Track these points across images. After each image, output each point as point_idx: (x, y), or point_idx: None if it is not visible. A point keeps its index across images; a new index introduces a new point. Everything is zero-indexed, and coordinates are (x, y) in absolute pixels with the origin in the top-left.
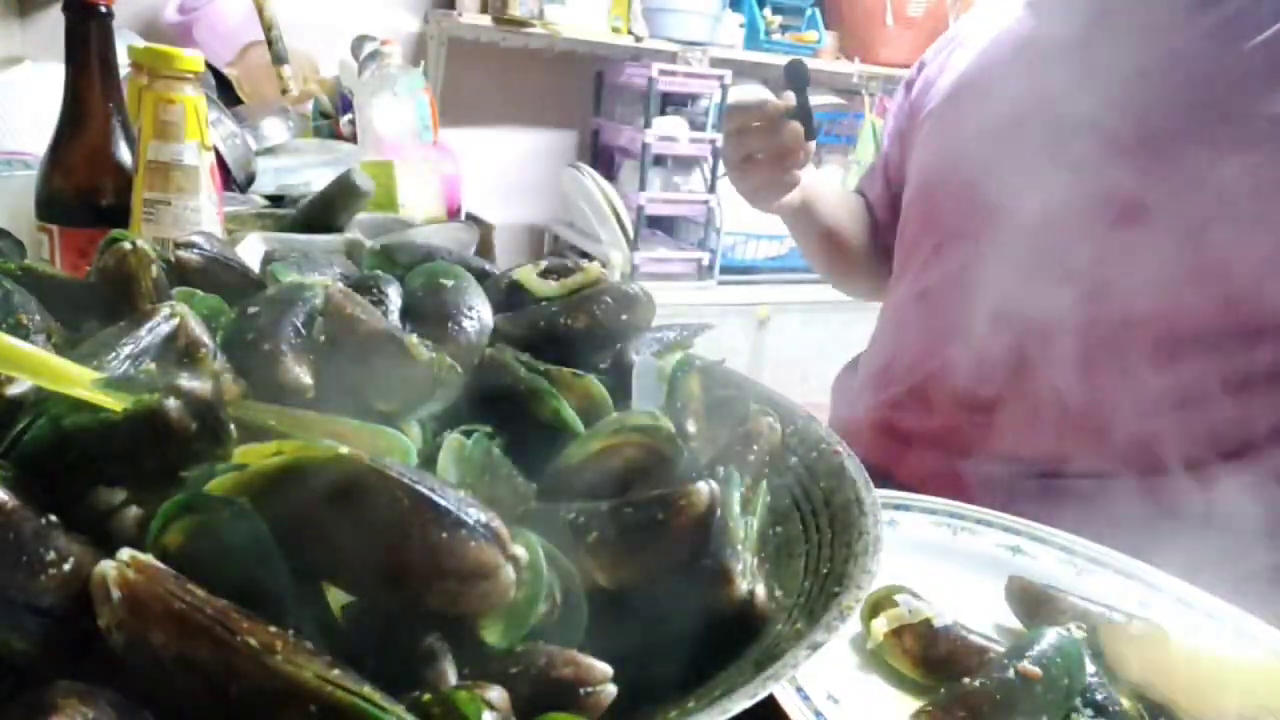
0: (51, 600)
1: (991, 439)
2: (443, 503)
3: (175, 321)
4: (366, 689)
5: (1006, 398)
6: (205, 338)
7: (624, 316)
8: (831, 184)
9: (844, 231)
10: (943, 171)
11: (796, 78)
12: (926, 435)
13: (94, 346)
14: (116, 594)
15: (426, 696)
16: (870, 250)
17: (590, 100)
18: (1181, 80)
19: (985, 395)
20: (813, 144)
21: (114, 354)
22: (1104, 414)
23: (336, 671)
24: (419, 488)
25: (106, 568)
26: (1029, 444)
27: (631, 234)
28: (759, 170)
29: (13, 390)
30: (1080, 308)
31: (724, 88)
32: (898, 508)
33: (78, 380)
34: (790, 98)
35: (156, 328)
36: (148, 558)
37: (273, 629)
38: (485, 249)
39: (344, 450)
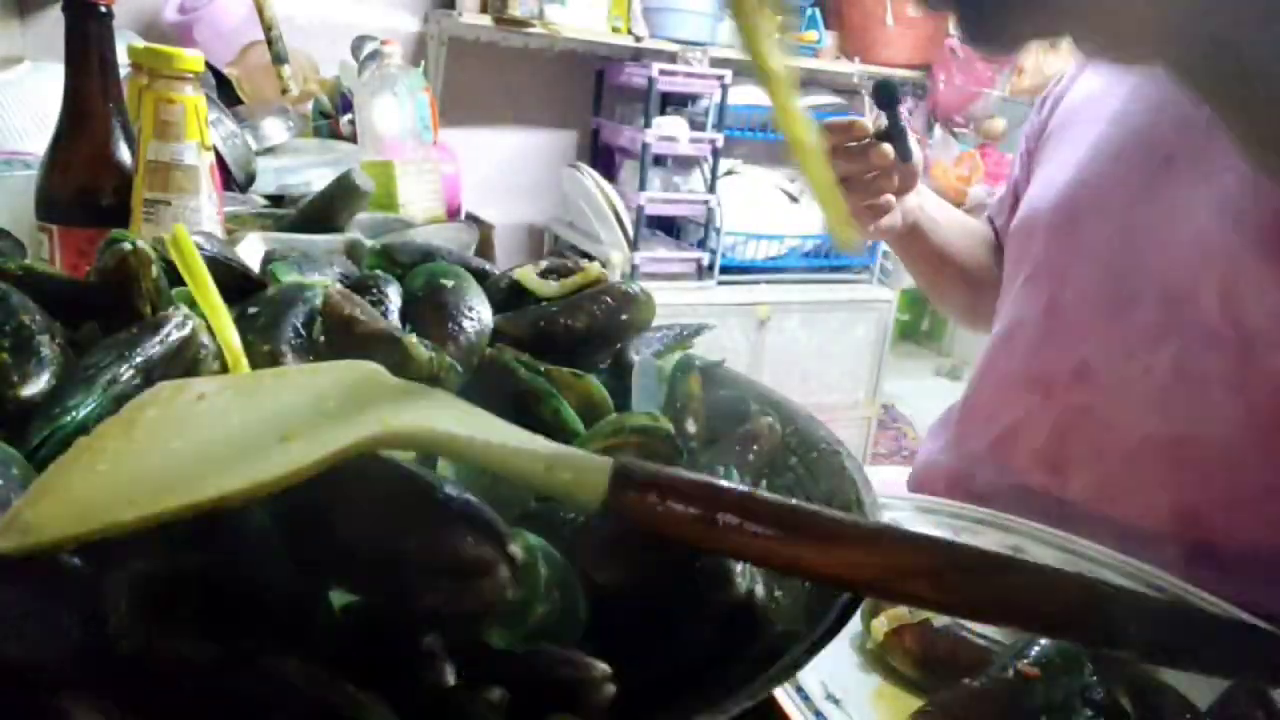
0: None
1: (1067, 506)
2: (441, 497)
3: (188, 329)
4: (350, 688)
5: (1082, 460)
6: (212, 345)
7: (624, 316)
8: (949, 209)
9: (959, 257)
10: (1040, 198)
11: (886, 96)
12: (1001, 497)
13: (105, 354)
14: (124, 602)
15: (427, 696)
16: (995, 278)
17: (590, 100)
18: None
19: (1062, 456)
20: (914, 166)
21: (127, 364)
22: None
23: (325, 672)
24: (418, 481)
25: (116, 577)
26: (1103, 510)
27: (631, 234)
28: (850, 195)
29: (28, 390)
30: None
31: (724, 88)
32: (898, 508)
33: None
34: (880, 118)
35: (169, 335)
36: (154, 567)
37: (265, 630)
38: (485, 249)
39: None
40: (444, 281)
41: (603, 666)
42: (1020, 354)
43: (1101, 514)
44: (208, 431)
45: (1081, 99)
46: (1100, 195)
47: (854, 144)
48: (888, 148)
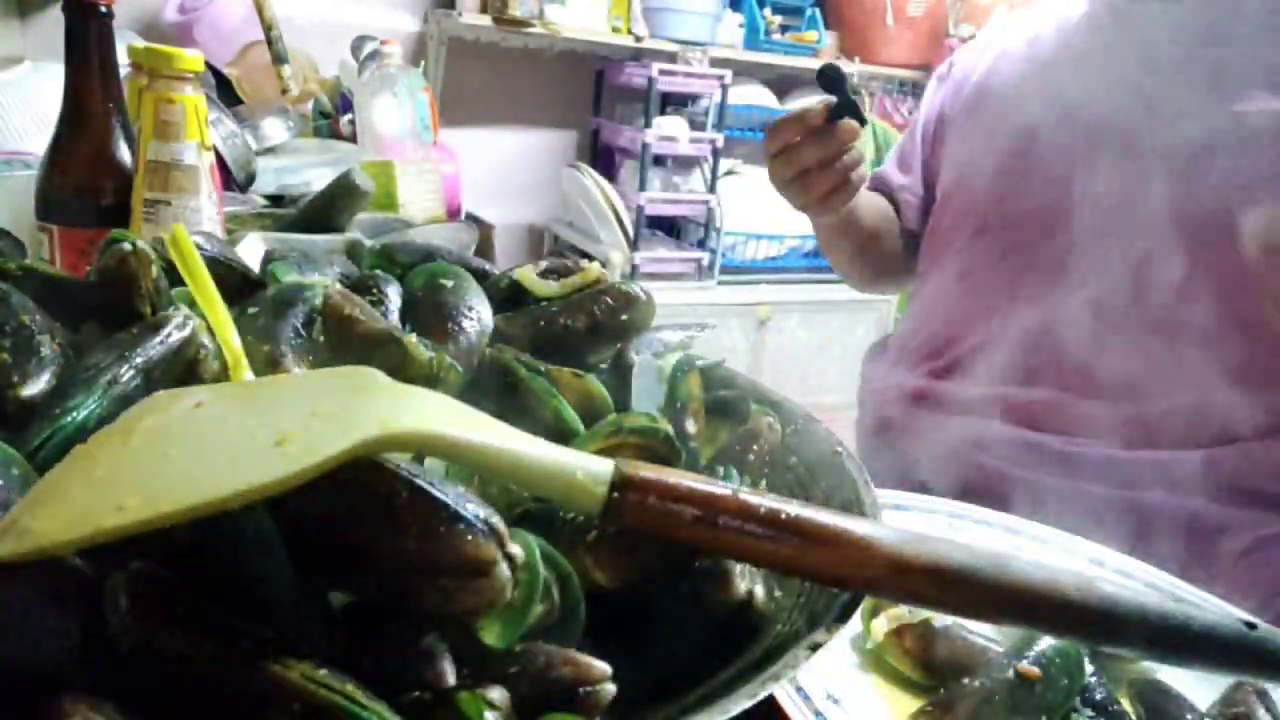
0: (60, 609)
1: (1028, 412)
2: (441, 497)
3: (189, 329)
4: (349, 687)
5: (1045, 373)
6: (212, 345)
7: (624, 316)
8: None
9: (881, 228)
10: (983, 164)
11: (831, 80)
12: (965, 403)
13: (106, 355)
14: (124, 602)
15: (426, 696)
16: (902, 244)
17: (590, 100)
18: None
19: (1026, 369)
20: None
21: (128, 364)
22: (1143, 393)
23: (323, 671)
24: (417, 481)
25: (117, 577)
26: (1066, 413)
27: (631, 234)
28: (821, 181)
29: (28, 390)
30: (1128, 307)
31: (724, 88)
32: (898, 508)
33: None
34: (826, 100)
35: (169, 336)
36: (154, 567)
37: (265, 630)
38: (485, 249)
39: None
40: (444, 281)
41: (603, 667)
42: (983, 290)
43: (1063, 413)
44: (206, 437)
45: (1000, 79)
46: (1044, 165)
47: (815, 129)
48: (852, 122)
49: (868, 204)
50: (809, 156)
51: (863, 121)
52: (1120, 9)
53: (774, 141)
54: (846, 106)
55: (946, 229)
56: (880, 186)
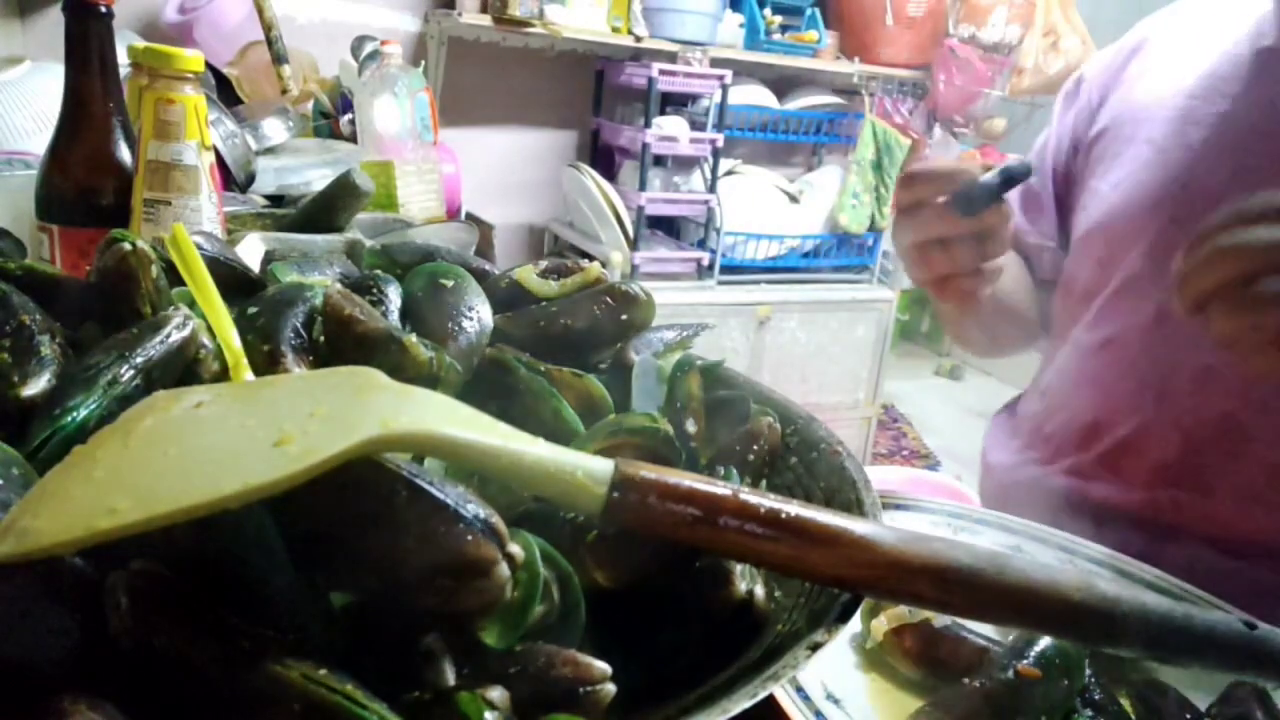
0: (60, 609)
1: (1203, 520)
2: (441, 496)
3: (189, 329)
4: (349, 687)
5: (1219, 471)
6: (212, 345)
7: (624, 316)
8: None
9: (1017, 301)
10: (1127, 201)
11: (1011, 182)
12: (1124, 511)
13: (106, 354)
14: (124, 601)
15: (426, 696)
16: (1040, 299)
17: (590, 100)
18: None
19: (1194, 467)
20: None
21: (128, 364)
22: None
23: (323, 671)
24: (417, 481)
25: (117, 576)
26: (1246, 527)
27: (631, 234)
28: (944, 260)
29: (28, 390)
30: None
31: (724, 88)
32: (898, 508)
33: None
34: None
35: (169, 336)
36: (155, 566)
37: (265, 630)
38: (485, 249)
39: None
40: (444, 281)
41: (603, 667)
42: (1128, 363)
43: (1242, 527)
44: (206, 437)
45: (1150, 99)
46: (1207, 201)
47: (959, 198)
48: (1006, 207)
49: (1003, 281)
50: (939, 225)
51: (1027, 174)
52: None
53: (906, 193)
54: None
55: (1086, 281)
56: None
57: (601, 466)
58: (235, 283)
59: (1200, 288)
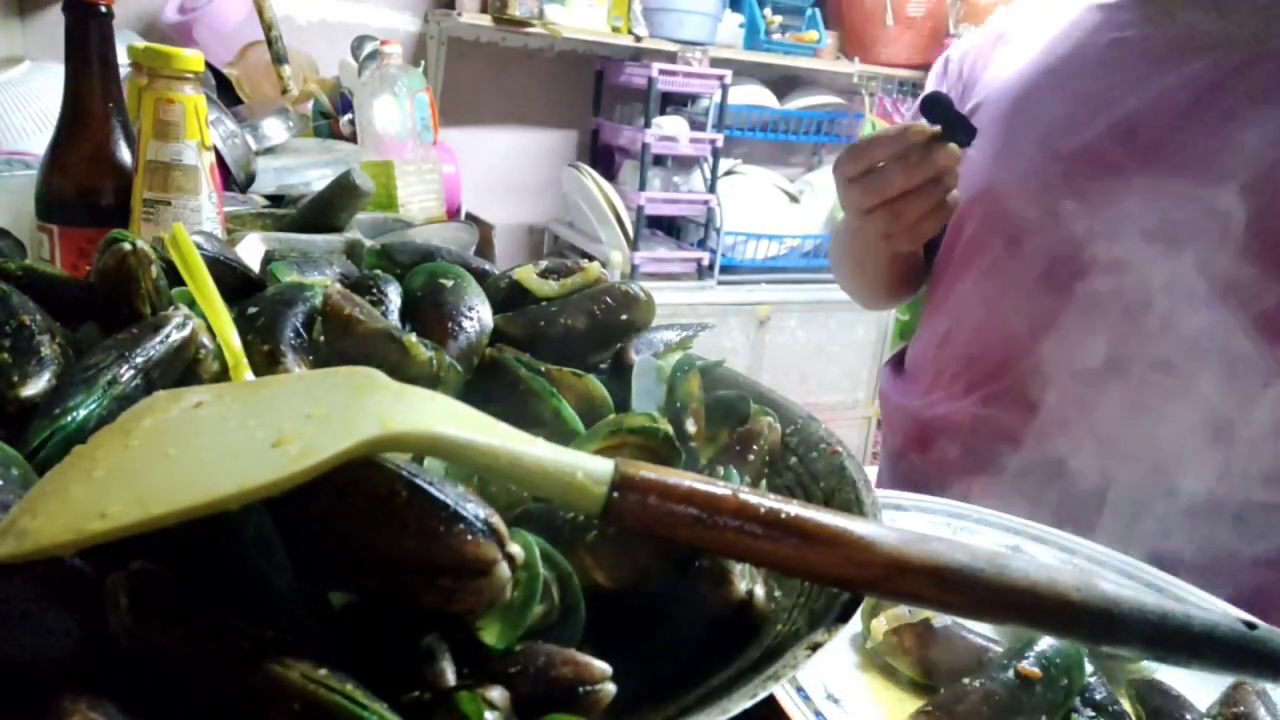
0: (60, 609)
1: (1092, 431)
2: (441, 497)
3: (189, 329)
4: (349, 687)
5: (1109, 392)
6: (212, 345)
7: (624, 316)
8: None
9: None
10: (1013, 170)
11: (937, 107)
12: (1032, 431)
13: (106, 354)
14: (124, 601)
15: (426, 696)
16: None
17: (590, 100)
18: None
19: (1090, 391)
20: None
21: (128, 364)
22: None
23: (323, 671)
24: (417, 481)
25: (117, 576)
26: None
27: (631, 234)
28: (912, 207)
29: (28, 390)
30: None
31: (724, 88)
32: (897, 508)
33: None
34: (927, 127)
35: (169, 336)
36: (155, 566)
37: (265, 630)
38: (485, 249)
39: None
40: (444, 281)
41: (603, 666)
42: (1025, 308)
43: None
44: (206, 437)
45: (1017, 78)
46: (1079, 167)
47: (903, 152)
48: (954, 146)
49: None
50: (902, 179)
51: (973, 135)
52: (1155, 14)
53: (856, 163)
54: (959, 128)
55: (969, 239)
56: None
57: (601, 466)
58: (235, 283)
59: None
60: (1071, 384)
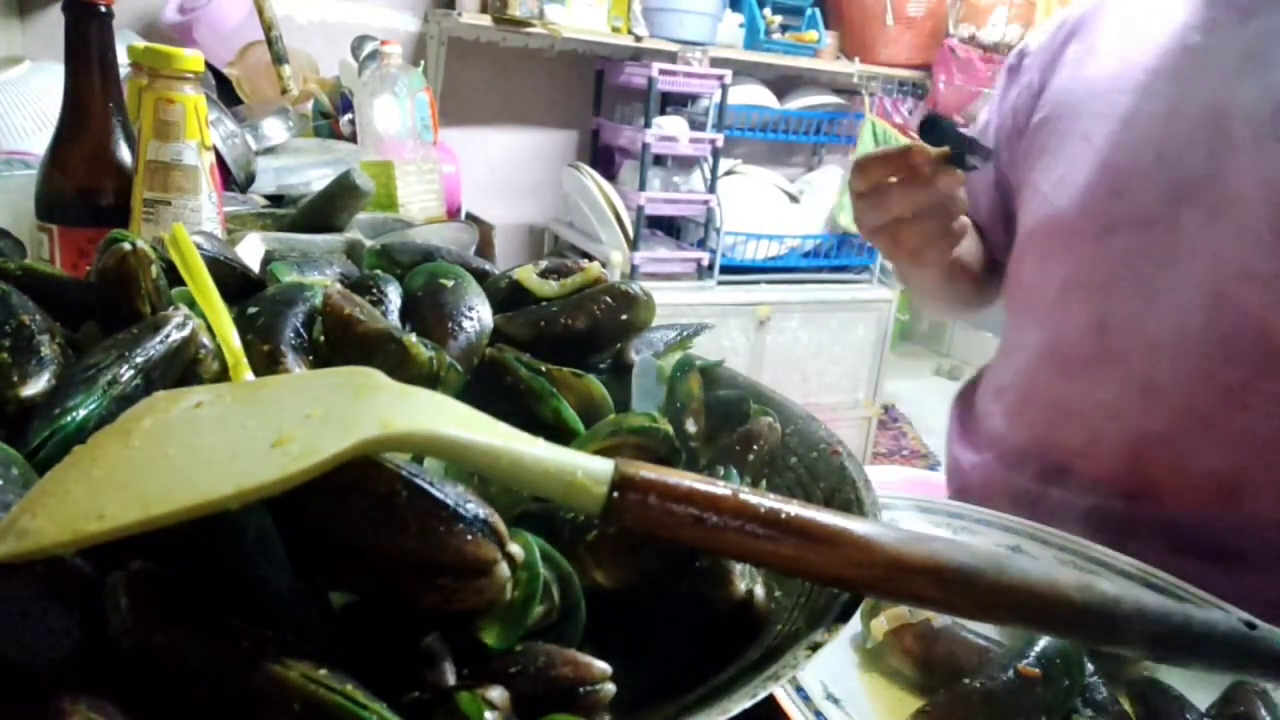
0: (60, 609)
1: (1154, 525)
2: (440, 497)
3: (189, 329)
4: (349, 687)
5: (1167, 482)
6: (212, 345)
7: (624, 316)
8: None
9: (970, 260)
10: (1065, 200)
11: (937, 129)
12: (1079, 514)
13: (106, 354)
14: (124, 601)
15: (426, 696)
16: (988, 276)
17: (590, 100)
18: None
19: (1143, 478)
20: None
21: (127, 364)
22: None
23: (323, 671)
24: (417, 481)
25: (117, 576)
26: (1197, 532)
27: (631, 234)
28: (913, 232)
29: (28, 390)
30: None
31: (724, 88)
32: (897, 508)
33: None
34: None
35: (169, 336)
36: (155, 566)
37: (265, 630)
38: (485, 249)
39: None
40: (444, 281)
41: (603, 666)
42: (1076, 373)
43: (1193, 532)
44: (205, 437)
45: (1085, 90)
46: (1140, 208)
47: (913, 171)
48: (959, 172)
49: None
50: (902, 203)
51: (987, 156)
52: (1239, 19)
53: (862, 179)
54: (967, 149)
55: (1028, 280)
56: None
57: (601, 466)
58: (235, 283)
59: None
60: (1125, 466)
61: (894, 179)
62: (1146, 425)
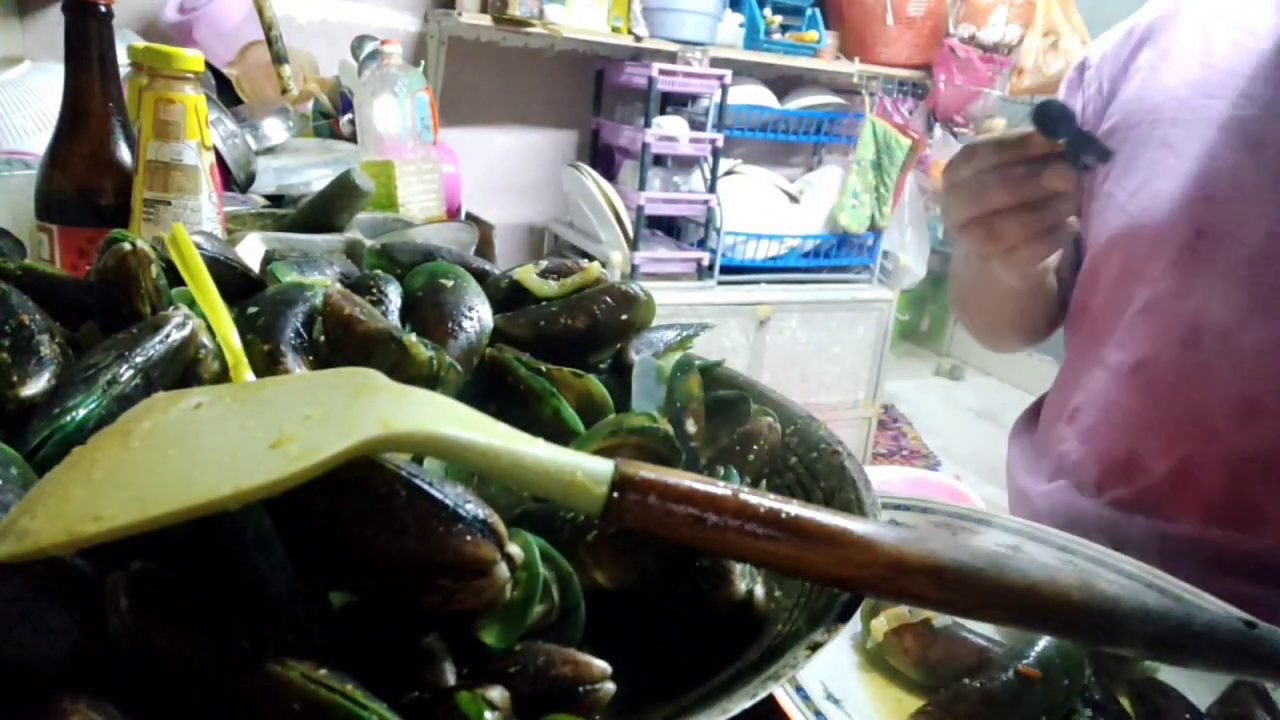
0: (59, 609)
1: (1255, 554)
2: (440, 497)
3: (189, 329)
4: (349, 687)
5: (1269, 506)
6: (212, 345)
7: (624, 316)
8: None
9: (1056, 277)
10: (1150, 212)
11: (1053, 119)
12: (1173, 546)
13: (106, 354)
14: (124, 601)
15: (426, 696)
16: (1054, 299)
17: (590, 100)
18: None
19: (1243, 503)
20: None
21: (127, 364)
22: None
23: (323, 671)
24: (416, 481)
25: (117, 576)
26: None
27: (631, 234)
28: (1012, 228)
29: (28, 390)
30: None
31: (724, 88)
32: (897, 508)
33: None
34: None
35: (169, 336)
36: (155, 566)
37: (265, 630)
38: (485, 249)
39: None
40: (444, 281)
41: (603, 666)
42: (1164, 392)
43: None
44: (205, 438)
45: (1164, 97)
46: (1235, 213)
47: (1023, 163)
48: (1067, 167)
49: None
50: (1002, 195)
51: (1104, 156)
52: None
53: (967, 166)
54: (1085, 146)
55: (1105, 294)
56: None
57: (601, 466)
58: (235, 283)
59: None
60: (1221, 492)
61: (992, 168)
62: (1244, 447)
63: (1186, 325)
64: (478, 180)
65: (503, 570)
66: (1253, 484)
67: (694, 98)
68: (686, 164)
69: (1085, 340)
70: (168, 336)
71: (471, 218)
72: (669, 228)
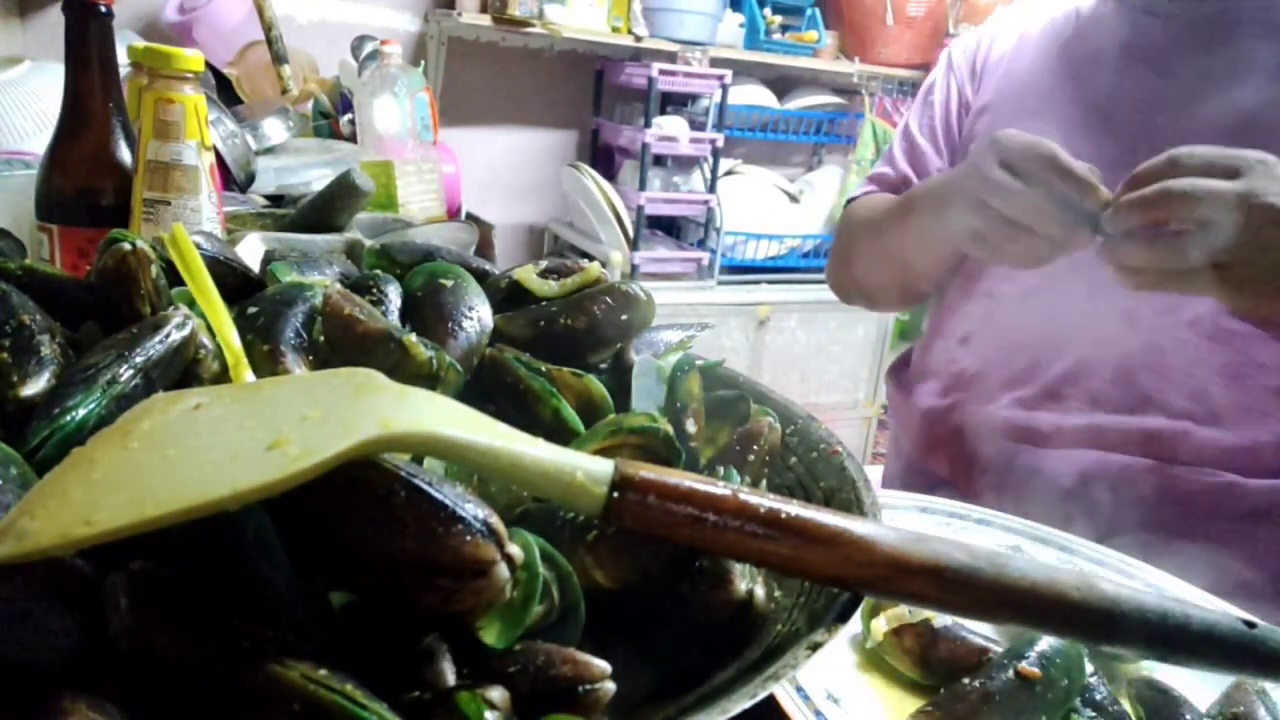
0: (60, 609)
1: (1143, 439)
2: (440, 497)
3: (189, 329)
4: (349, 687)
5: (1151, 395)
6: (212, 345)
7: (624, 316)
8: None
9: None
10: None
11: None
12: (1070, 434)
13: (105, 354)
14: (124, 601)
15: (426, 696)
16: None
17: (590, 100)
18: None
19: (1128, 392)
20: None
21: (127, 364)
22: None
23: (323, 671)
24: (416, 481)
25: (117, 576)
26: (1178, 445)
27: (631, 234)
28: (1007, 235)
29: (28, 390)
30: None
31: (724, 88)
32: (897, 508)
33: None
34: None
35: (169, 336)
36: (155, 566)
37: (265, 630)
38: (485, 249)
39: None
40: (444, 281)
41: (602, 665)
42: (1057, 313)
43: (1176, 445)
44: (205, 439)
45: (1023, 75)
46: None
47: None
48: (1087, 234)
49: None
50: (1023, 208)
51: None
52: (1129, 14)
53: (1009, 151)
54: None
55: None
56: (895, 189)
57: (601, 466)
58: (235, 283)
59: (1133, 222)
60: (1109, 384)
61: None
62: (1129, 345)
63: (1070, 260)
64: (478, 180)
65: (503, 570)
66: (1138, 374)
67: (694, 98)
68: (686, 164)
69: (967, 282)
70: (168, 336)
71: (471, 218)
72: (669, 228)
